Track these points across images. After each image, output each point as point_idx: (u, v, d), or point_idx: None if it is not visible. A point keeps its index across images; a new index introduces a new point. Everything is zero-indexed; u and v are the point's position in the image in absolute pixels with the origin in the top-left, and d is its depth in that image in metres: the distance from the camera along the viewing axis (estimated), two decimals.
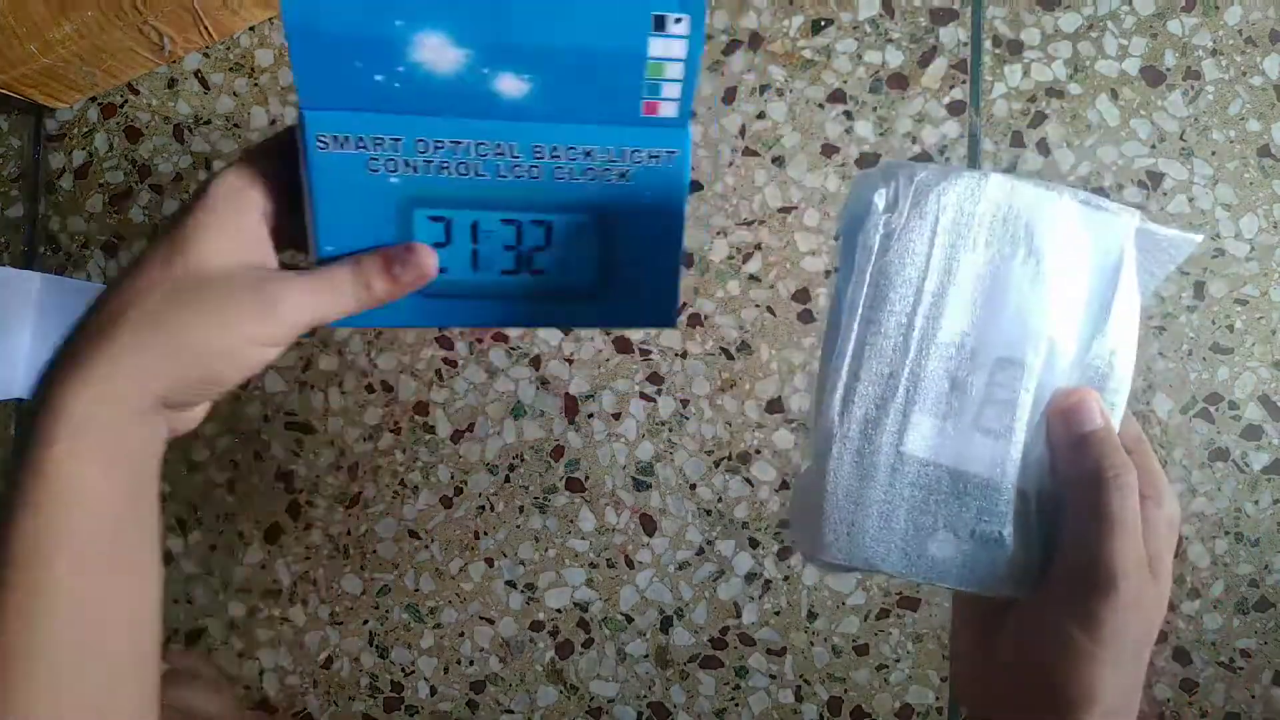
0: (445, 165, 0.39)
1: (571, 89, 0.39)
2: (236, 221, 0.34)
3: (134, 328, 0.33)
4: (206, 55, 0.62)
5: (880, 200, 0.32)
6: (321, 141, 0.37)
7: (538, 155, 0.40)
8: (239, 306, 0.33)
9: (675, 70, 0.39)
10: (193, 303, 0.33)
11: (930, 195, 0.32)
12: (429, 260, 0.37)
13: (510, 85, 0.38)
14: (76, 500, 0.32)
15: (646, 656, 0.60)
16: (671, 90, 0.39)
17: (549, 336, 0.61)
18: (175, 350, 0.33)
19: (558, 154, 0.40)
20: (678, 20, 0.38)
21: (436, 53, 0.37)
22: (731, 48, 0.60)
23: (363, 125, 0.38)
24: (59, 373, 0.33)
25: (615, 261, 0.42)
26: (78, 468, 0.32)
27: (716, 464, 0.59)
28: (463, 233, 0.41)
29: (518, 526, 0.61)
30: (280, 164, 0.36)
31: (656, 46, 0.38)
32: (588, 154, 0.40)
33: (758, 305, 0.59)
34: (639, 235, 0.42)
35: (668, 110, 0.40)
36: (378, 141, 0.38)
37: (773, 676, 0.59)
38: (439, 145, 0.39)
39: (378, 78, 0.37)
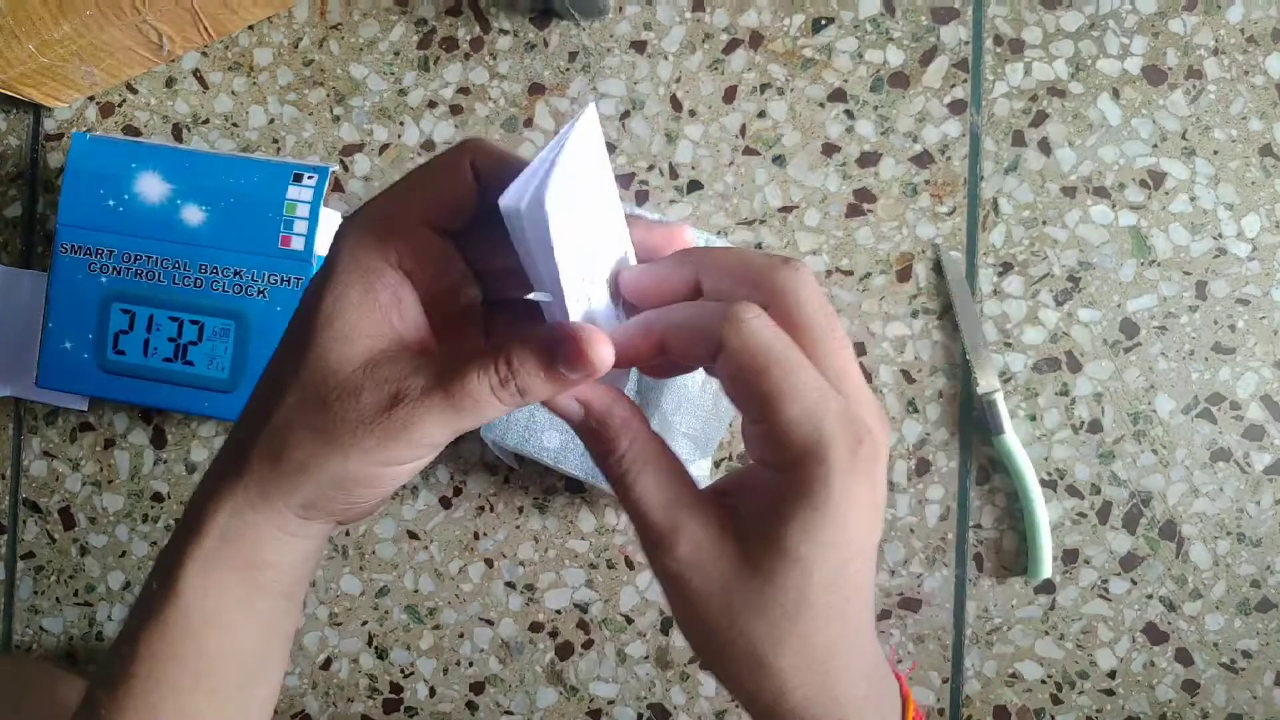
0: (138, 272, 0.55)
1: (233, 221, 0.54)
2: (370, 303, 0.28)
3: (263, 454, 0.30)
4: (205, 54, 0.62)
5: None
6: (64, 248, 0.56)
7: (202, 271, 0.55)
8: (368, 434, 0.28)
9: (304, 210, 0.54)
10: (319, 429, 0.29)
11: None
12: (605, 350, 0.27)
13: (193, 214, 0.55)
14: (203, 624, 0.31)
15: (646, 658, 0.60)
16: (301, 228, 0.54)
17: None
18: (304, 478, 0.30)
19: (216, 271, 0.55)
20: (310, 177, 0.54)
21: (150, 185, 0.55)
22: (732, 46, 0.60)
23: (90, 239, 0.56)
24: (206, 484, 0.32)
25: (247, 363, 0.54)
26: (211, 588, 0.31)
27: (717, 464, 0.59)
28: (141, 323, 0.55)
29: (517, 527, 0.60)
30: (425, 207, 0.29)
31: (293, 193, 0.54)
32: (237, 274, 0.54)
33: None
34: (269, 343, 0.53)
35: (297, 244, 0.54)
36: (97, 252, 0.55)
37: None
38: (136, 258, 0.55)
39: (109, 203, 0.55)
